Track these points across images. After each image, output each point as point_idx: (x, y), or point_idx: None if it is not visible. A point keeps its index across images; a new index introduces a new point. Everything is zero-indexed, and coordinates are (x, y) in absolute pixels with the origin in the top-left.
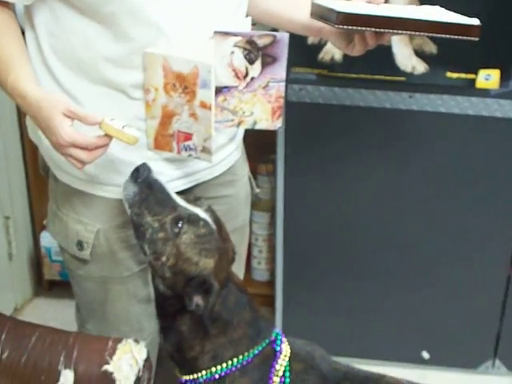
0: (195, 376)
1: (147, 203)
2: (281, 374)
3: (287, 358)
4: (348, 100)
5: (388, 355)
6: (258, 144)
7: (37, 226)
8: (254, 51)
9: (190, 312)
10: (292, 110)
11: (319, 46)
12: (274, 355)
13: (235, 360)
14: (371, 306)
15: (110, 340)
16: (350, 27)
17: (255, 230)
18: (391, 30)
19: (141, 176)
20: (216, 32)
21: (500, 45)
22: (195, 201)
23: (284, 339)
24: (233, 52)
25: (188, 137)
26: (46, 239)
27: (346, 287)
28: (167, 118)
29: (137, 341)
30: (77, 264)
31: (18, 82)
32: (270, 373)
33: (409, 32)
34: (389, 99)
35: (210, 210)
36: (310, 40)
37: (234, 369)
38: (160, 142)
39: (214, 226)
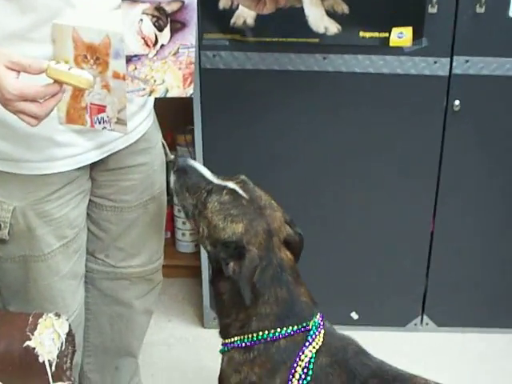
0: (228, 341)
1: (186, 187)
2: (304, 364)
3: (314, 350)
4: (262, 64)
5: None
6: (175, 114)
7: None
8: (162, 18)
9: (230, 280)
10: (207, 77)
11: (231, 11)
12: (303, 343)
13: (260, 334)
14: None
15: (31, 316)
16: None
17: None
18: None
19: (176, 165)
20: (123, 0)
21: (411, 2)
22: (231, 177)
23: (321, 330)
24: (141, 19)
25: (101, 109)
26: None
27: None
28: (79, 90)
29: (58, 315)
30: None
31: None
32: (294, 361)
33: None
34: (303, 61)
35: (243, 182)
36: (222, 5)
37: (258, 342)
38: (72, 116)
39: (243, 194)
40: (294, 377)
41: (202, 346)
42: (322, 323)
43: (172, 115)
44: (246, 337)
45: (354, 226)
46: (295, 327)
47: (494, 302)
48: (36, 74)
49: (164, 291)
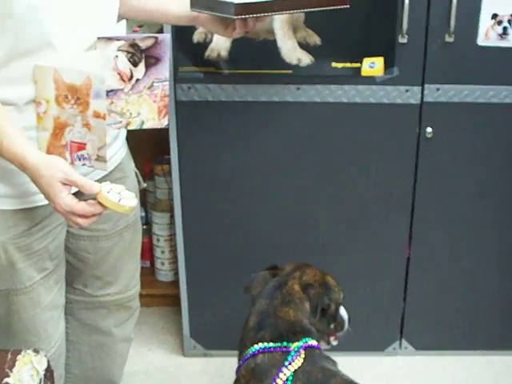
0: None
1: None
2: (281, 383)
3: (289, 373)
4: (237, 95)
5: None
6: (153, 145)
7: None
8: (137, 54)
9: None
10: (182, 109)
11: (205, 45)
12: (282, 364)
13: (248, 350)
14: None
15: (9, 352)
16: (248, 16)
17: (156, 231)
18: (282, 12)
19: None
20: (99, 38)
21: (382, 33)
22: None
23: (301, 354)
24: (117, 56)
25: (81, 147)
26: None
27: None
28: (59, 129)
29: (36, 351)
30: None
31: (14, 147)
32: (272, 380)
33: (293, 11)
34: (277, 92)
35: None
36: (196, 38)
37: (245, 358)
38: (52, 154)
39: None
40: None
41: (183, 375)
42: (304, 348)
43: (149, 145)
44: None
45: (331, 252)
46: (272, 343)
47: (471, 325)
48: (87, 193)
49: (144, 320)
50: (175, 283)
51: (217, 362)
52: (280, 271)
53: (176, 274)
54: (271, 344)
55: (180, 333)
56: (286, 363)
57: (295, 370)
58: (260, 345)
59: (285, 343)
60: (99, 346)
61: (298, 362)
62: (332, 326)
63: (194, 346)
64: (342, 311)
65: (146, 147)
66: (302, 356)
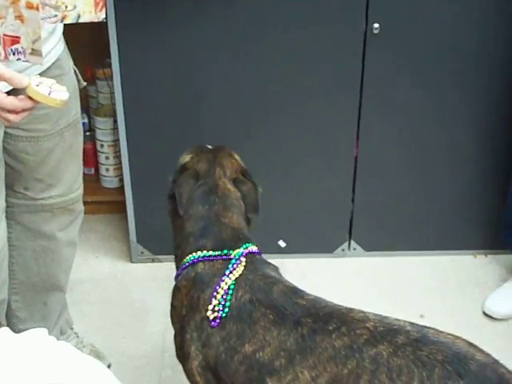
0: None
1: None
2: (222, 292)
3: (230, 281)
4: None
5: None
6: (93, 49)
7: None
8: None
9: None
10: (121, 6)
11: None
12: (223, 272)
13: (185, 259)
14: None
15: None
16: None
17: (99, 136)
18: None
19: None
20: None
21: None
22: None
23: (242, 262)
24: None
25: (15, 40)
26: None
27: None
28: None
29: None
30: None
31: None
32: (213, 291)
33: None
34: None
35: None
36: None
37: (183, 267)
38: None
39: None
40: (211, 304)
41: (130, 281)
42: (244, 255)
43: (90, 49)
44: (183, 261)
45: (278, 154)
46: (212, 252)
47: (419, 226)
48: (16, 87)
49: (90, 228)
50: (120, 189)
51: (165, 266)
52: (192, 170)
53: (121, 180)
54: (211, 253)
55: (127, 239)
56: (227, 272)
57: (236, 279)
58: (199, 253)
59: (225, 251)
60: (44, 250)
61: (239, 270)
62: None
63: (142, 252)
64: None
65: (87, 51)
66: (243, 264)
